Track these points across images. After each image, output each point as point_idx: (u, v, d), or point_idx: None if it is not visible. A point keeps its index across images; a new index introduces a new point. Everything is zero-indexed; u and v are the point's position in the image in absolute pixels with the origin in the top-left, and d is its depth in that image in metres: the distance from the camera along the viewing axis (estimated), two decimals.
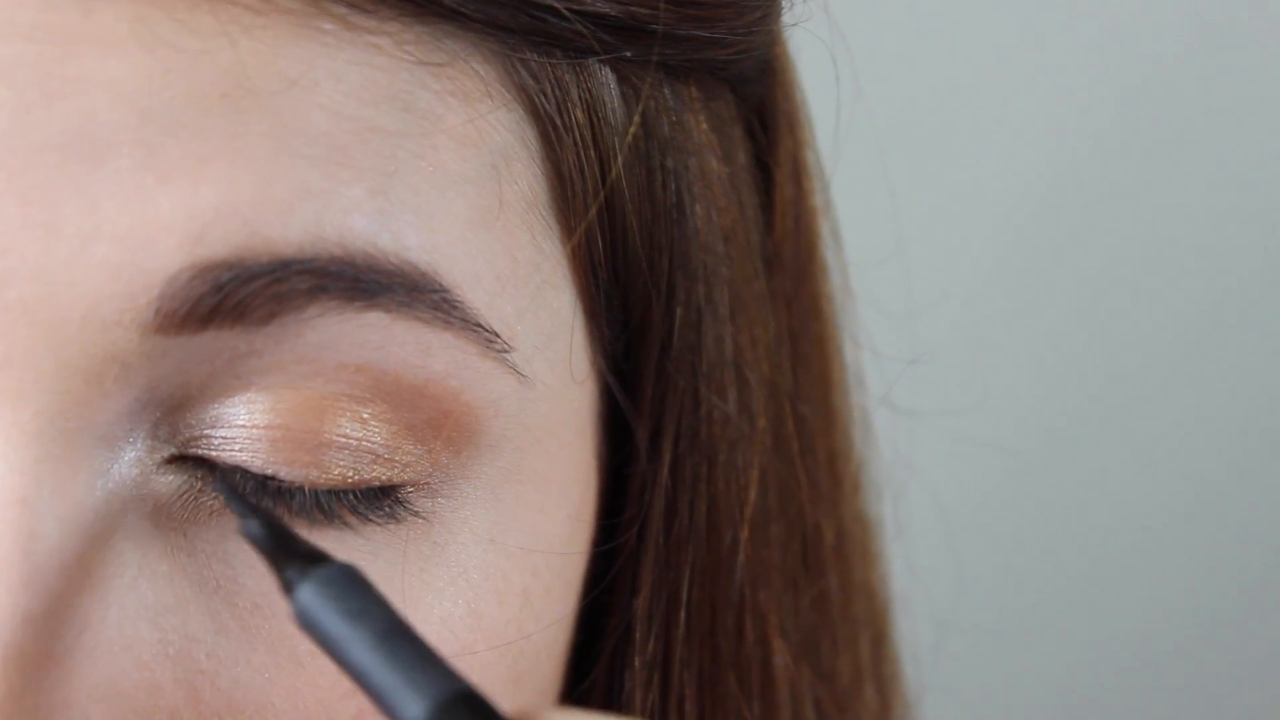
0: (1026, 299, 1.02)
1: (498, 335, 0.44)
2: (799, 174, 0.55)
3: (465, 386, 0.44)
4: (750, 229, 0.52)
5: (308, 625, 0.39)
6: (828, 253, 0.59)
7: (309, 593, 0.39)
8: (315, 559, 0.40)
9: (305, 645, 0.43)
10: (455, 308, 0.43)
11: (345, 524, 0.44)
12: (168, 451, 0.43)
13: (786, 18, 0.53)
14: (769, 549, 0.53)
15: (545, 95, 0.45)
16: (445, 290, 0.43)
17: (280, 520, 0.42)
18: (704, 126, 0.49)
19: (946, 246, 0.97)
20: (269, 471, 0.43)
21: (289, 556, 0.40)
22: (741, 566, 0.52)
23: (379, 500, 0.44)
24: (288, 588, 0.40)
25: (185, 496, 0.43)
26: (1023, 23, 0.99)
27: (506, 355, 0.44)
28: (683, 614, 0.51)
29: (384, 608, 0.39)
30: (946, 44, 0.98)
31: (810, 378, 0.56)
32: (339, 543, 0.44)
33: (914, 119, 0.92)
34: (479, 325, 0.43)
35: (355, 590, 0.39)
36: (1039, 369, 1.02)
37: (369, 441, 0.43)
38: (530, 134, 0.45)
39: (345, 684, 0.43)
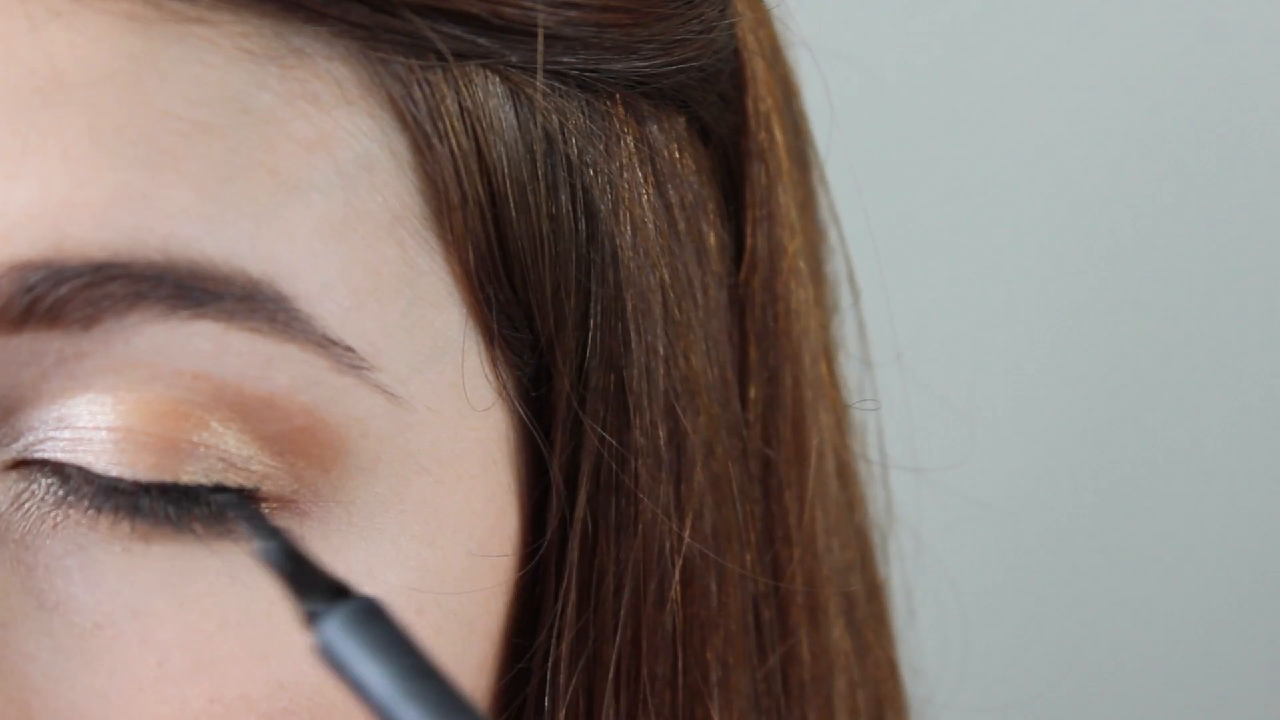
0: (1031, 347, 0.99)
1: (354, 351, 0.42)
2: (772, 211, 0.52)
3: (318, 403, 0.42)
4: (695, 263, 0.49)
5: (333, 662, 0.37)
6: (813, 295, 0.56)
7: (334, 628, 0.37)
8: (339, 592, 0.38)
9: (149, 671, 0.41)
10: (297, 319, 0.41)
11: (196, 536, 0.42)
12: (7, 456, 0.41)
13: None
14: (714, 600, 0.50)
15: (414, 102, 0.42)
16: (284, 300, 0.41)
17: (302, 547, 0.40)
18: (631, 148, 0.47)
19: (939, 288, 0.94)
20: (114, 473, 0.41)
21: (310, 587, 0.38)
22: (676, 618, 0.49)
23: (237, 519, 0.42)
24: (309, 620, 0.37)
25: (26, 506, 0.41)
26: (1033, 39, 0.96)
27: (368, 373, 0.42)
28: (611, 668, 0.48)
29: (412, 647, 0.37)
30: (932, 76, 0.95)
31: (782, 421, 0.53)
32: (192, 561, 0.42)
33: (900, 147, 0.90)
34: (327, 338, 0.41)
35: (382, 627, 0.37)
36: (1041, 423, 0.99)
37: (220, 448, 0.41)
38: (400, 143, 0.43)
39: (189, 712, 0.42)
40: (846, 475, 0.57)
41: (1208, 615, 0.99)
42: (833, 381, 0.56)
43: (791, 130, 0.55)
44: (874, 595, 0.59)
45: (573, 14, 0.43)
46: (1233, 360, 0.98)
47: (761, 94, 0.51)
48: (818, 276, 0.57)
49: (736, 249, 0.52)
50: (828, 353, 0.56)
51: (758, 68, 0.51)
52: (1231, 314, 0.97)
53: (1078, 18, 0.97)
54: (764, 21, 0.54)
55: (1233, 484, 0.98)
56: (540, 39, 0.42)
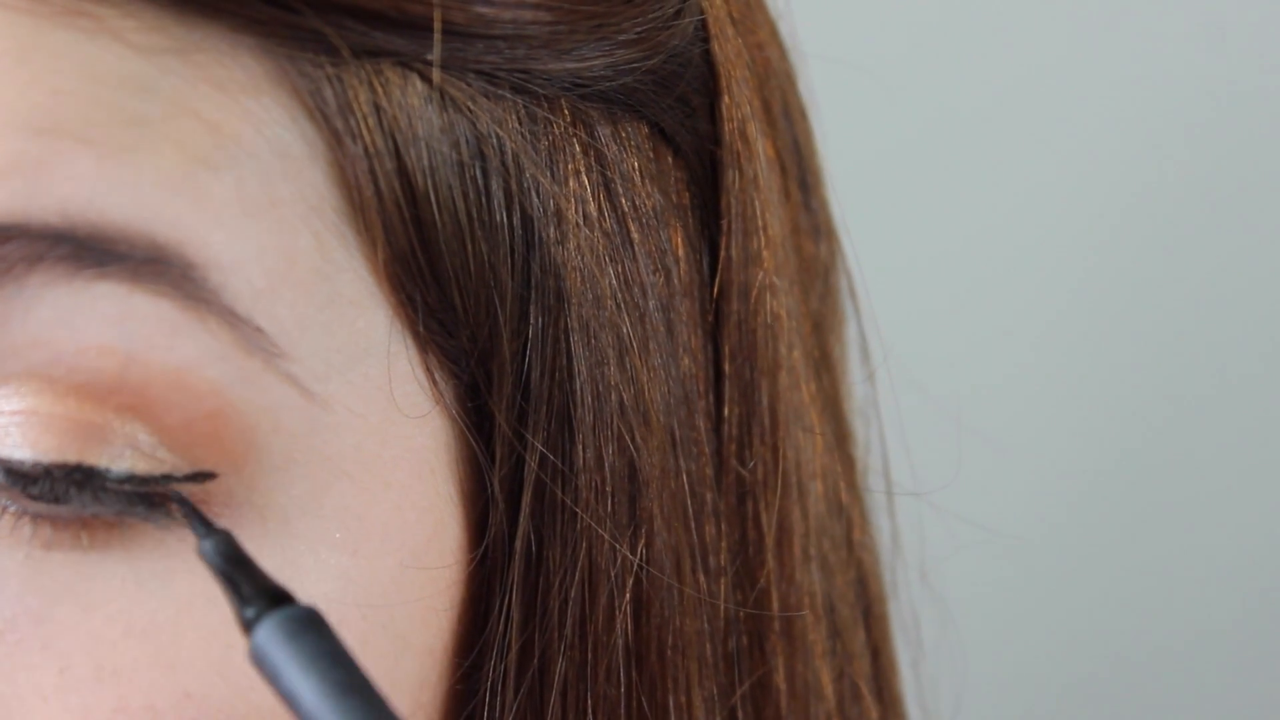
0: (1035, 368, 0.98)
1: (264, 333, 0.41)
2: (748, 222, 0.51)
3: (227, 382, 0.41)
4: (653, 275, 0.47)
5: (263, 669, 0.37)
6: (798, 310, 0.54)
7: (267, 634, 0.37)
8: (277, 597, 0.38)
9: (51, 679, 0.41)
10: (204, 288, 0.40)
11: (99, 535, 0.41)
12: None
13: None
14: (676, 624, 0.48)
15: (324, 99, 0.42)
16: (191, 267, 0.40)
17: (242, 547, 0.39)
18: (577, 155, 0.45)
19: (934, 296, 0.92)
20: (18, 456, 0.40)
21: (249, 591, 0.38)
22: (628, 639, 0.47)
23: (146, 511, 0.41)
24: (246, 625, 0.38)
25: None
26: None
27: (280, 360, 0.41)
28: (557, 688, 0.47)
29: (346, 659, 0.37)
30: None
31: (758, 441, 0.51)
32: (95, 568, 0.41)
33: (891, 157, 0.88)
34: (234, 313, 0.41)
35: (317, 637, 0.37)
36: (1049, 446, 0.97)
37: (124, 432, 0.41)
38: (315, 135, 0.42)
39: None
40: (839, 499, 0.55)
41: (1220, 639, 0.96)
42: (821, 401, 0.54)
43: (785, 142, 0.54)
44: (872, 625, 0.57)
45: (484, 10, 0.42)
46: (1244, 373, 0.96)
47: (737, 101, 0.50)
48: (807, 293, 0.55)
49: (713, 261, 0.50)
50: (819, 371, 0.55)
51: (735, 74, 0.50)
52: (1239, 325, 0.95)
53: (1074, 20, 0.95)
54: (754, 29, 0.53)
55: (1247, 504, 0.96)
56: (437, 31, 0.41)
